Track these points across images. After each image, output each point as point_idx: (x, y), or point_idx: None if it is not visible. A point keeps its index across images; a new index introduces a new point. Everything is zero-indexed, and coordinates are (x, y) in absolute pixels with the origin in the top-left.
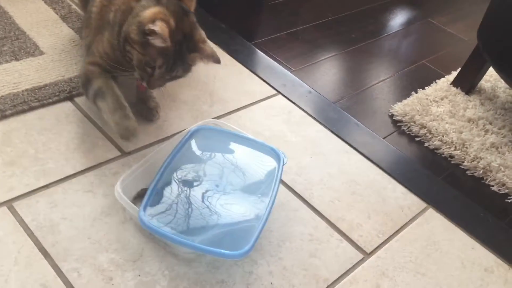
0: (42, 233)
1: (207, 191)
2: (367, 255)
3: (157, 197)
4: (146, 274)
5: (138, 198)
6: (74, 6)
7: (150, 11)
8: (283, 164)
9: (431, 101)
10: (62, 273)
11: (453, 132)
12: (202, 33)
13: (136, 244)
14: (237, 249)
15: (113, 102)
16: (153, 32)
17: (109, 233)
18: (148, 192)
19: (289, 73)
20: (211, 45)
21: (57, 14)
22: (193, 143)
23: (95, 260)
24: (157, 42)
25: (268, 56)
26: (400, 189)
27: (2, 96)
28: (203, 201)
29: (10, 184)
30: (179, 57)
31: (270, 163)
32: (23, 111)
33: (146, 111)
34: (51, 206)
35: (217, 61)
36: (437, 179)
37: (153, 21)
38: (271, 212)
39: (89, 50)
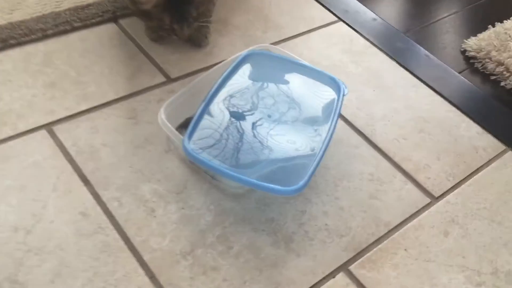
0: (82, 159)
1: (258, 122)
2: (435, 199)
3: (205, 129)
4: (190, 207)
5: (183, 127)
6: None
7: None
8: (344, 95)
9: (510, 36)
10: (102, 201)
11: None
12: None
13: (180, 175)
14: (291, 185)
15: None
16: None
17: (152, 163)
18: (193, 121)
19: None
20: None
21: None
22: (244, 69)
23: (136, 189)
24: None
25: None
26: (475, 128)
27: (43, 14)
28: (253, 133)
29: (50, 107)
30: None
31: (328, 94)
32: (65, 32)
33: (195, 36)
34: (92, 132)
35: None
36: None
37: None
38: (328, 147)
39: None
